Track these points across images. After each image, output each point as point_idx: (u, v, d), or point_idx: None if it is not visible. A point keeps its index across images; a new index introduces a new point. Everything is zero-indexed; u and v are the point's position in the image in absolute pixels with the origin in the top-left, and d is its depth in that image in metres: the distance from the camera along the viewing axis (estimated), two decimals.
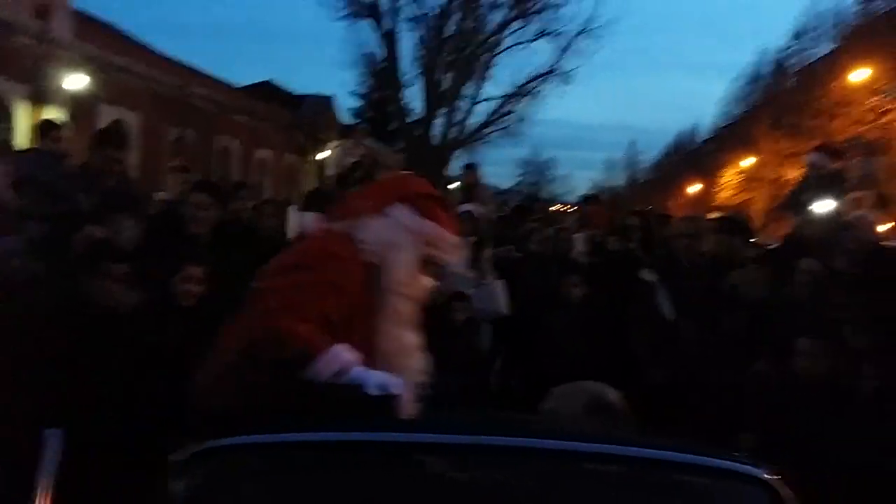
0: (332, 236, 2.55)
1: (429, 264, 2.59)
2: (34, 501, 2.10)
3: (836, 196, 5.55)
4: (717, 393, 4.06)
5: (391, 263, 2.50)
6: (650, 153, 67.08)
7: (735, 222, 5.82)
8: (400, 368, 2.45)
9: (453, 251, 2.66)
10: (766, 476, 1.86)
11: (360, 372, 2.31)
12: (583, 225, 7.18)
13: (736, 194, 33.77)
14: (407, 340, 2.55)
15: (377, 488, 2.06)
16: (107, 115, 16.91)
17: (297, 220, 6.79)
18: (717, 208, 29.54)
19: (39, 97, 14.58)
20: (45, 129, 6.02)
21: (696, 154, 44.56)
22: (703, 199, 38.39)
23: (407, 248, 2.52)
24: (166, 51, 21.16)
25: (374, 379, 2.30)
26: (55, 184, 5.16)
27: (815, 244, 5.03)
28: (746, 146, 31.28)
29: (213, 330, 2.51)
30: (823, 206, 5.46)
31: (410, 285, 2.54)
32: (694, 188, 40.77)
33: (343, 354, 2.32)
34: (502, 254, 6.47)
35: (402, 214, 2.54)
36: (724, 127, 39.52)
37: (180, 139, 20.21)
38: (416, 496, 2.01)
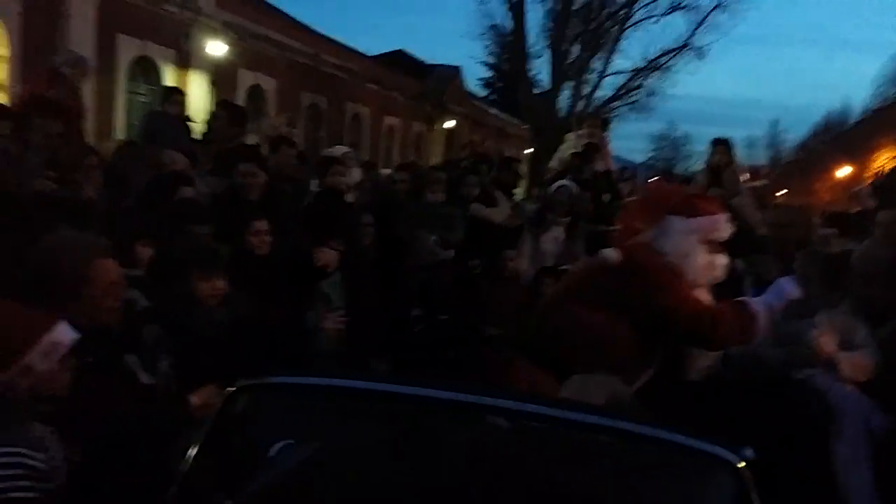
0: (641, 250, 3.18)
1: (714, 246, 3.18)
2: None
3: None
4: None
5: (686, 268, 3.13)
6: (794, 132, 63.54)
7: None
8: None
9: (726, 225, 3.23)
10: (733, 459, 1.90)
11: None
12: None
13: None
14: None
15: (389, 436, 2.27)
16: (245, 81, 17.88)
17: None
18: None
19: (184, 62, 15.65)
20: (167, 94, 6.53)
21: (847, 136, 41.65)
22: (853, 184, 35.96)
23: (694, 251, 3.13)
24: (301, 18, 21.96)
25: None
26: (177, 140, 5.66)
27: None
28: None
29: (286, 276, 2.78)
30: None
31: (705, 276, 3.17)
32: (843, 172, 38.21)
33: None
34: (593, 229, 6.48)
35: (679, 224, 3.16)
36: (879, 109, 36.73)
37: (314, 106, 21.06)
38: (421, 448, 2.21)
